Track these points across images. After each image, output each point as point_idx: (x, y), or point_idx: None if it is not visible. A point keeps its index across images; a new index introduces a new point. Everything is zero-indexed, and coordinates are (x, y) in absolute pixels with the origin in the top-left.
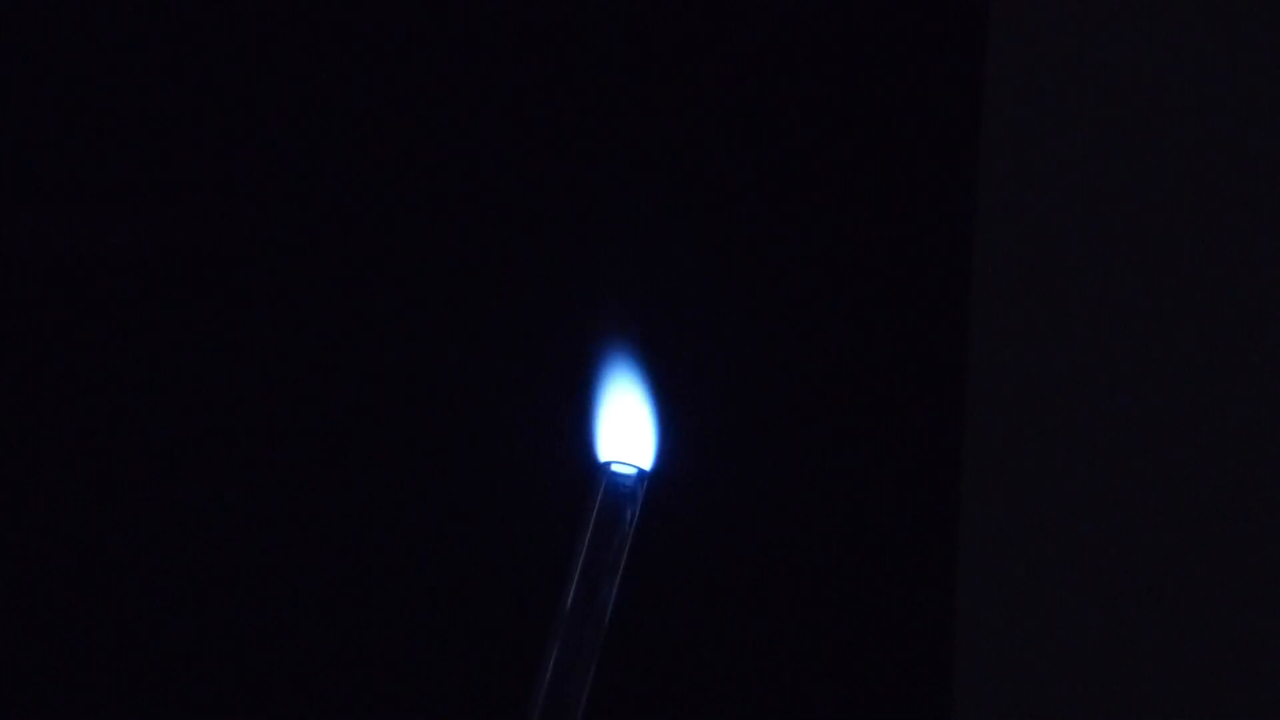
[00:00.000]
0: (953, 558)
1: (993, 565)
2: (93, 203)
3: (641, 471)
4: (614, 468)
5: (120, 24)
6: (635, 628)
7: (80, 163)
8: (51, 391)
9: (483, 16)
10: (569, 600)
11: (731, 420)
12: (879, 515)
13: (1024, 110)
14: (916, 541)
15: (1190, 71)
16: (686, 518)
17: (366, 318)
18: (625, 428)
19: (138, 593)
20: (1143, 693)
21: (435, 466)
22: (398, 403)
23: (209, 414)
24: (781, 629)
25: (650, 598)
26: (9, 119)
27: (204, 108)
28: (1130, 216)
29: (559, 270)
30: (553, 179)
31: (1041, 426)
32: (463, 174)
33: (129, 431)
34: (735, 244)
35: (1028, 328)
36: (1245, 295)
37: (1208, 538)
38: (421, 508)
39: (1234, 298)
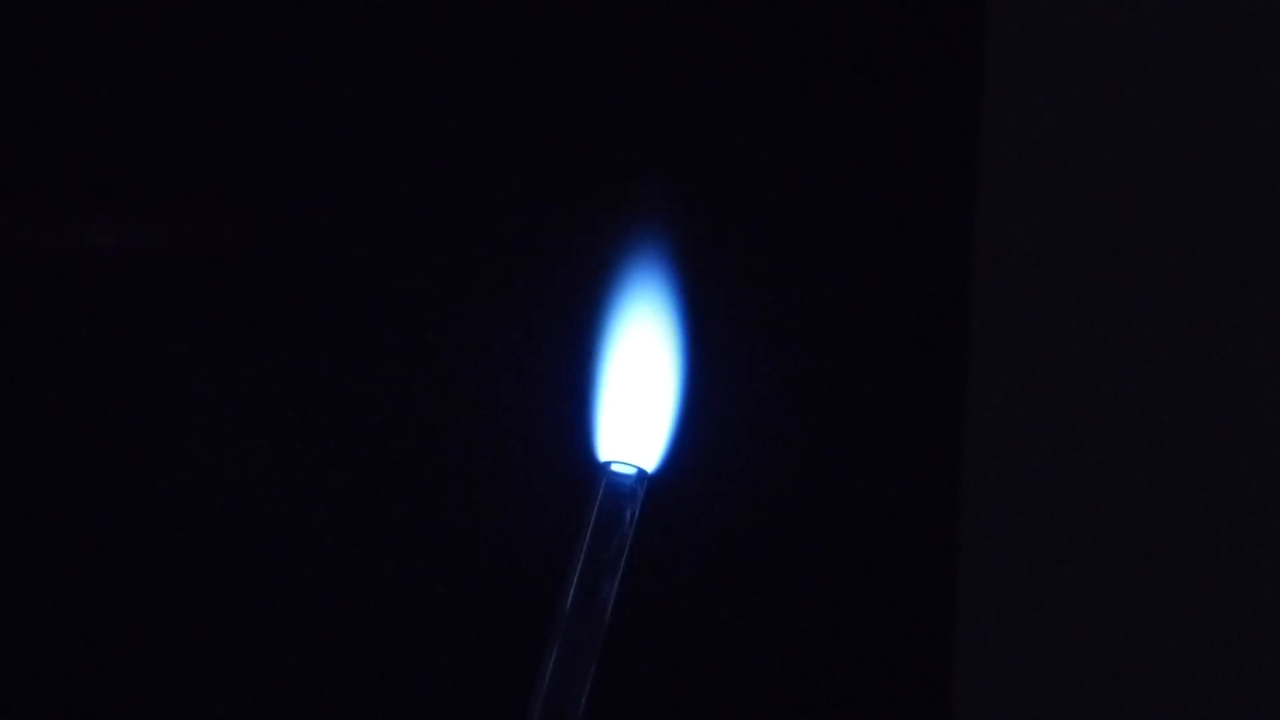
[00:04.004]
0: (953, 558)
1: (993, 565)
2: (90, 202)
3: (641, 471)
4: (614, 468)
5: (119, 21)
6: (635, 628)
7: (77, 161)
8: (51, 393)
9: (480, 10)
10: (569, 600)
11: (731, 420)
12: (879, 516)
13: (1024, 110)
14: (916, 542)
15: (1191, 72)
16: (687, 518)
17: (364, 317)
18: (626, 427)
19: (132, 593)
20: (1143, 694)
21: (434, 466)
22: (396, 403)
23: (204, 414)
24: (781, 629)
25: (650, 598)
26: (7, 116)
27: (200, 105)
28: (1131, 217)
29: (558, 271)
30: (552, 180)
31: (1042, 427)
32: (460, 173)
33: (125, 429)
34: (733, 243)
35: (1028, 328)
36: (1247, 296)
37: (1209, 538)
38: (420, 508)
39: (1235, 298)
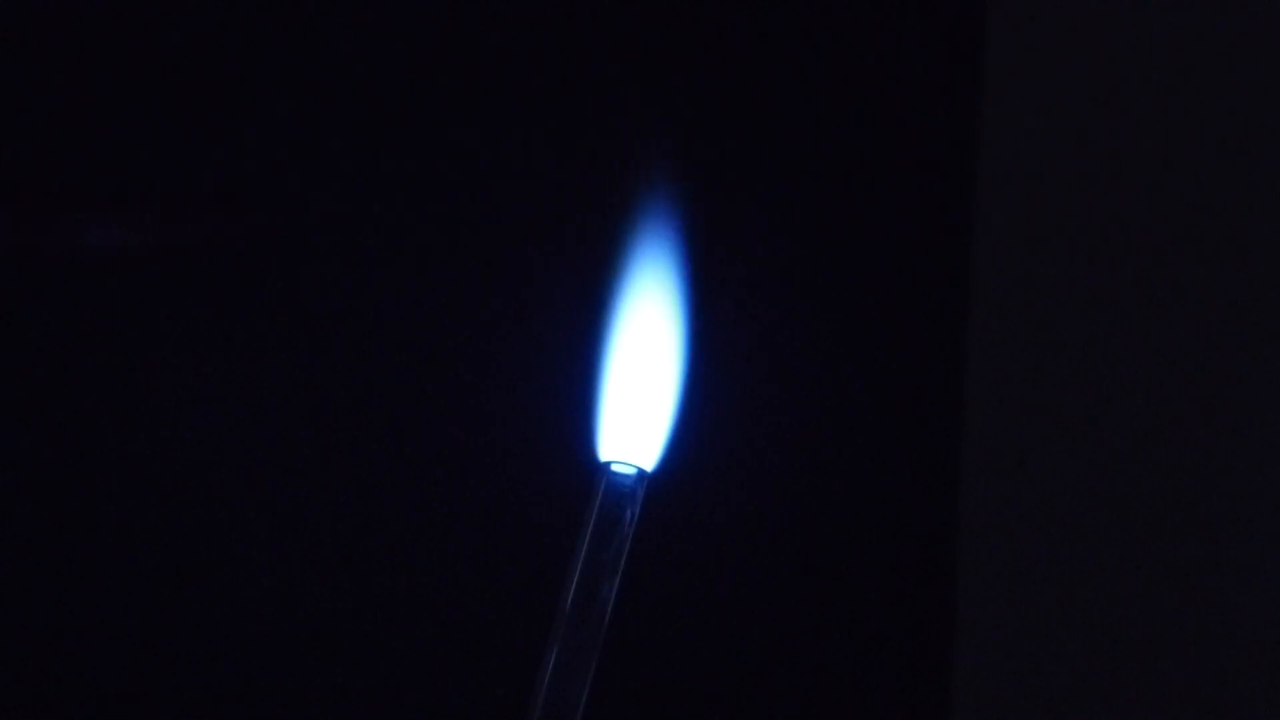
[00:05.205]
0: (952, 558)
1: (993, 565)
2: (90, 202)
3: (641, 471)
4: (614, 468)
5: (121, 21)
6: (636, 628)
7: (77, 161)
8: (50, 394)
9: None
10: (569, 600)
11: (730, 420)
12: (879, 515)
13: (1024, 110)
14: (916, 542)
15: (1191, 71)
16: (687, 518)
17: (363, 318)
18: (626, 427)
19: (132, 592)
20: (1143, 695)
21: (434, 467)
22: (395, 403)
23: (202, 415)
24: (781, 629)
25: (650, 598)
26: (7, 116)
27: (201, 106)
28: (1131, 217)
29: (558, 271)
30: (552, 180)
31: (1041, 427)
32: (460, 172)
33: (125, 429)
34: (733, 242)
35: (1027, 328)
36: (1247, 296)
37: (1209, 538)
38: (420, 508)
39: (1236, 299)
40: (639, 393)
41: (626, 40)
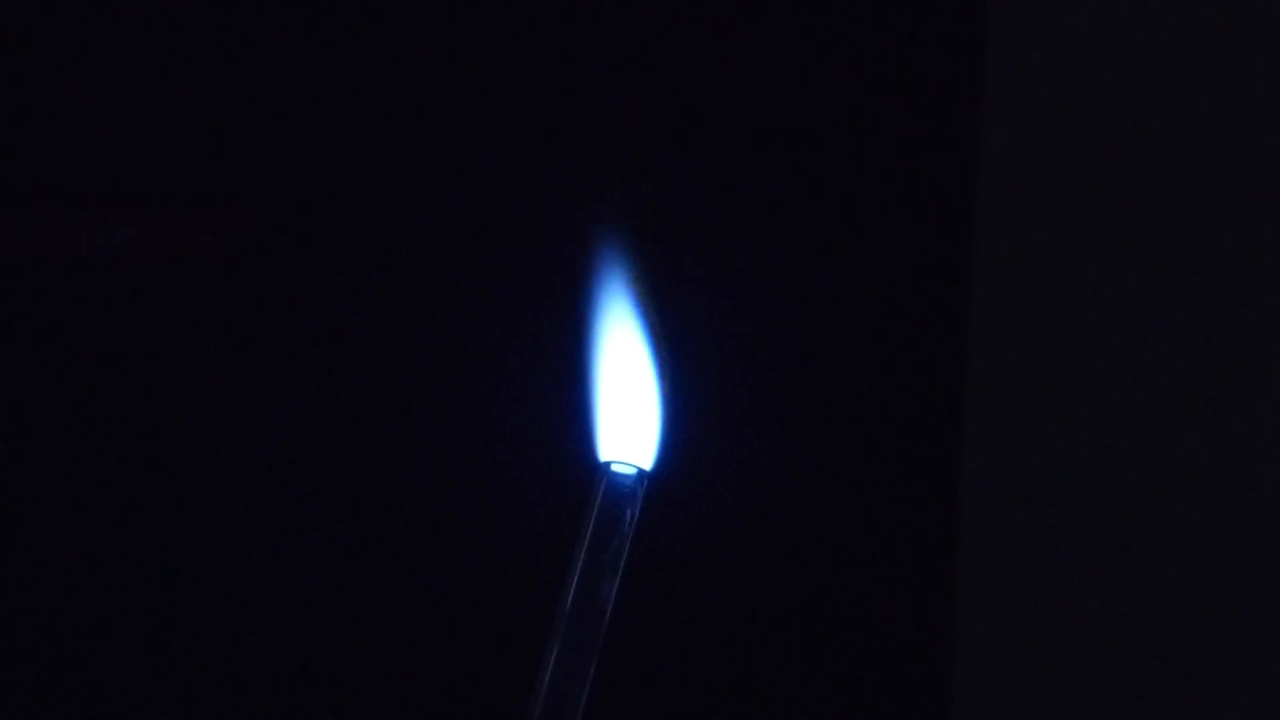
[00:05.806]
0: (952, 559)
1: (993, 566)
2: (90, 202)
3: (641, 471)
4: (614, 468)
5: (122, 21)
6: (635, 628)
7: (77, 161)
8: (49, 394)
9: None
10: (569, 600)
11: (730, 420)
12: (879, 515)
13: (1024, 110)
14: (916, 542)
15: (1191, 71)
16: (686, 518)
17: (364, 320)
18: (625, 427)
19: (133, 590)
20: (1143, 695)
21: (434, 467)
22: (396, 403)
23: (202, 416)
24: (780, 630)
25: (651, 597)
26: (7, 116)
27: (200, 106)
28: (1131, 217)
29: (558, 272)
30: (551, 181)
31: (1041, 427)
32: (459, 176)
33: (125, 427)
34: (733, 242)
35: (1027, 328)
36: (1247, 297)
37: (1209, 540)
38: (421, 508)
39: (1235, 299)
40: (639, 393)
41: (627, 42)
